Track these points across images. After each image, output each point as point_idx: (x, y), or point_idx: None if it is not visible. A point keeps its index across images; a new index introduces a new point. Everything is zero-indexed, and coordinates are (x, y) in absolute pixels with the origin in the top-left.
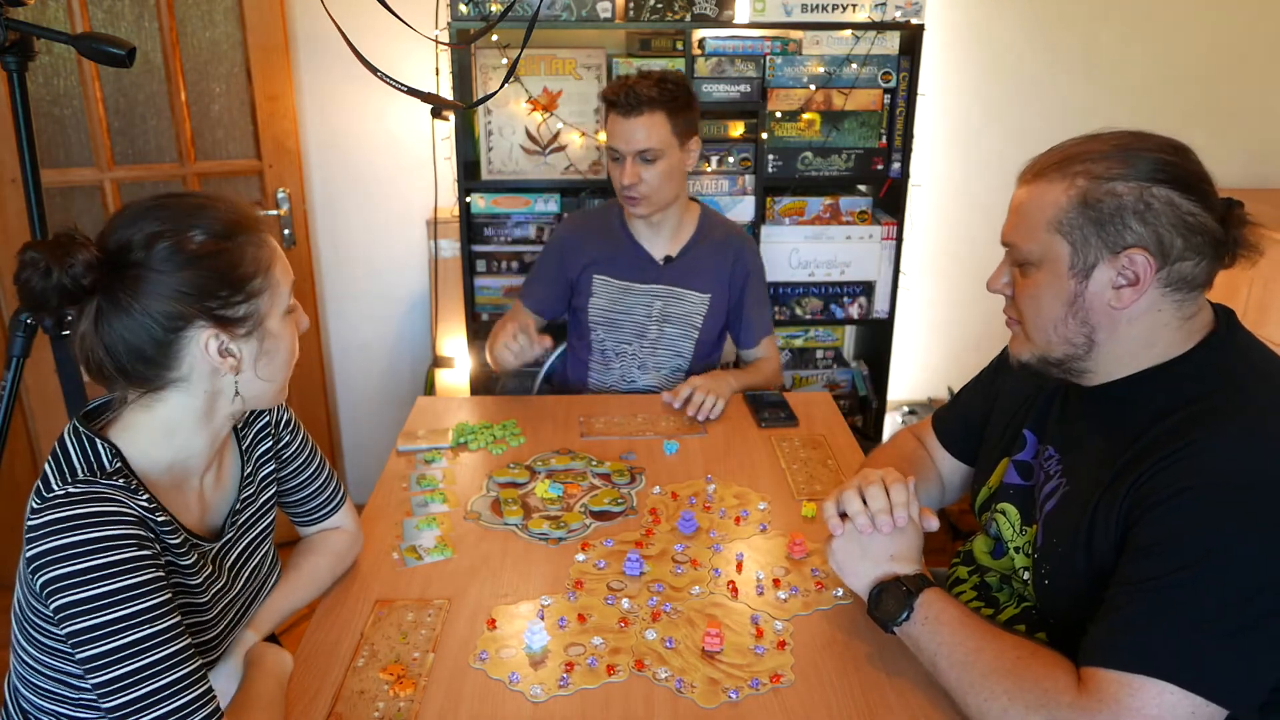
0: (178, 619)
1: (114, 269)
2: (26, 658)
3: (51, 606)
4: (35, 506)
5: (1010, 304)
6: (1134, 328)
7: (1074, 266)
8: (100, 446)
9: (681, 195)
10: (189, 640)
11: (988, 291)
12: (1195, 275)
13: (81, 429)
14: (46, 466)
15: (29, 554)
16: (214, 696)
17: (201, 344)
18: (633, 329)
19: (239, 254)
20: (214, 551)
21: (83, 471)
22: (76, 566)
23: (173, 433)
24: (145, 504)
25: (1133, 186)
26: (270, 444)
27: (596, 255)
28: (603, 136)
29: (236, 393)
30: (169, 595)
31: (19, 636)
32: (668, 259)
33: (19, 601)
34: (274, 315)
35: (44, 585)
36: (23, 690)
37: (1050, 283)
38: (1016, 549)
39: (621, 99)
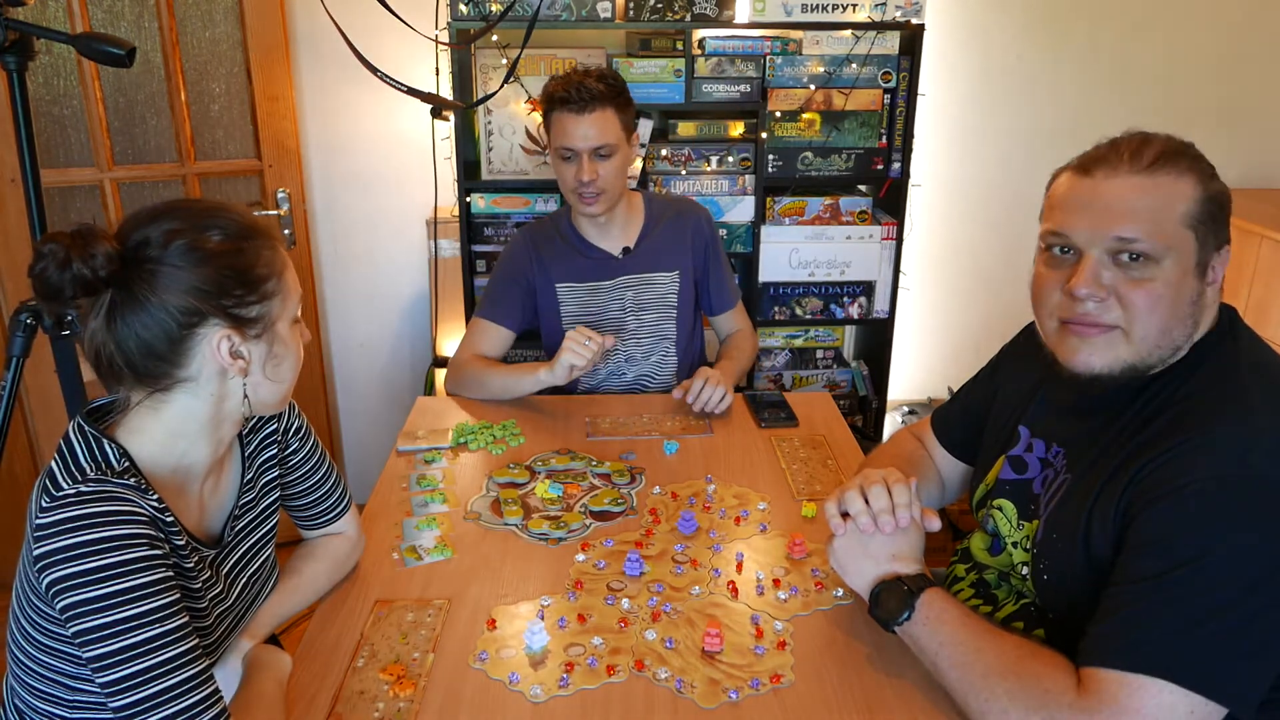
0: (186, 619)
1: (132, 264)
2: (24, 658)
3: (59, 605)
4: (45, 505)
5: (1102, 308)
6: (1196, 324)
7: (1198, 264)
8: (108, 446)
9: (626, 189)
10: (196, 640)
11: (1081, 293)
12: None
13: (87, 427)
14: (53, 465)
15: (36, 552)
16: (221, 697)
17: (214, 343)
18: (610, 326)
19: (254, 255)
20: (212, 557)
21: (92, 470)
22: (85, 565)
23: (178, 436)
24: (155, 504)
25: (1222, 185)
26: (275, 451)
27: (553, 265)
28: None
29: (245, 395)
30: (177, 595)
31: (16, 636)
32: (626, 250)
33: (18, 601)
34: (284, 320)
35: (51, 584)
36: (19, 691)
37: (1178, 280)
38: (1014, 544)
39: (573, 94)
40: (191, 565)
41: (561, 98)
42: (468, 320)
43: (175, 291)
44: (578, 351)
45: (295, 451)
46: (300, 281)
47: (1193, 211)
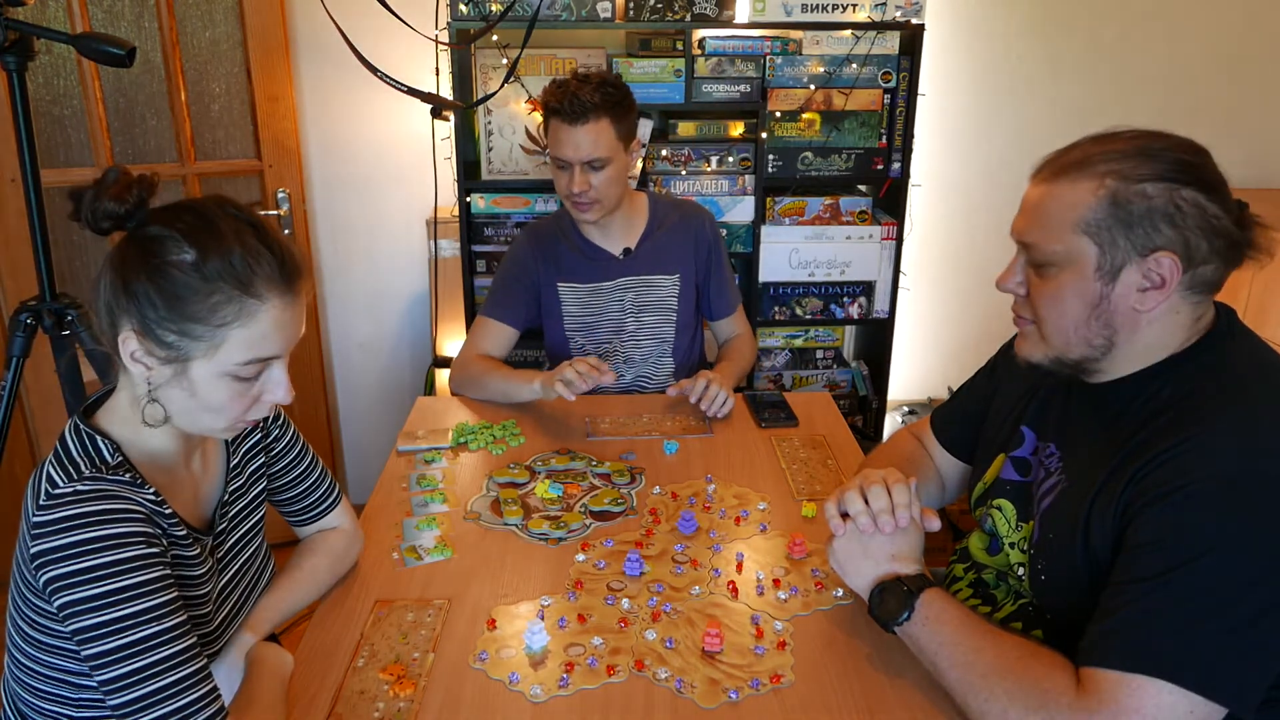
0: (183, 618)
1: (131, 231)
2: (23, 658)
3: (56, 604)
4: (42, 503)
5: (1022, 303)
6: (1153, 329)
7: (1101, 268)
8: (100, 442)
9: (626, 193)
10: (194, 639)
11: (996, 289)
12: (1214, 278)
13: (81, 426)
14: (49, 465)
15: (33, 550)
16: (218, 695)
17: (123, 333)
18: (609, 327)
19: (200, 295)
20: (211, 544)
21: (87, 467)
22: (81, 565)
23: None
24: (151, 498)
25: (1162, 188)
26: (259, 437)
27: (556, 265)
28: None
29: (154, 399)
30: (174, 594)
31: (15, 637)
32: (627, 251)
33: (15, 601)
34: (202, 365)
35: (48, 582)
36: (20, 692)
37: (1074, 284)
38: (1011, 545)
39: (566, 106)
40: (195, 554)
41: (554, 107)
42: (468, 320)
43: (119, 274)
44: (572, 382)
45: (278, 439)
46: None
47: (1089, 218)
